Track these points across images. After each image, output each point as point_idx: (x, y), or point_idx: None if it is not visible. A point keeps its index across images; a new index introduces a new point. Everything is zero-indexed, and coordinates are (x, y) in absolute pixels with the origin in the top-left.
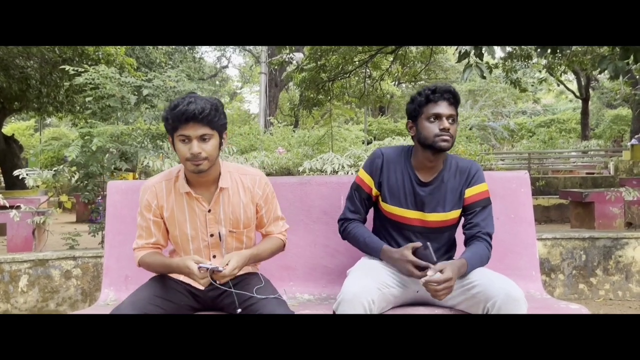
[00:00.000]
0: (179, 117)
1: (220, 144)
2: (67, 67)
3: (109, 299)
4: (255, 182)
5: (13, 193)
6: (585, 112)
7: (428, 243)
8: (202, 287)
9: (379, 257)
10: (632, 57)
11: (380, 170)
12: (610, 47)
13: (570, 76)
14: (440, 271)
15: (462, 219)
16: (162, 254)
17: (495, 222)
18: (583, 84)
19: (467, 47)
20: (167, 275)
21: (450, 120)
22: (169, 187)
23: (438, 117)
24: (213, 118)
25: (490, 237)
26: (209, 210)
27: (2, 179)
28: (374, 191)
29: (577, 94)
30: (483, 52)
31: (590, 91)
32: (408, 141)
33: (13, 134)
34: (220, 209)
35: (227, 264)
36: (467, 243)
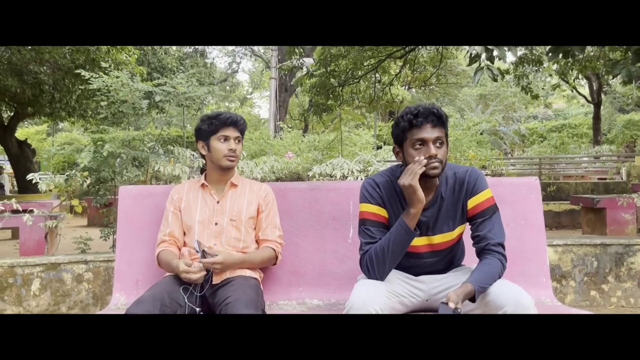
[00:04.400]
0: (225, 121)
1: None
2: (82, 72)
3: (120, 303)
4: (261, 187)
5: (26, 197)
6: (597, 117)
7: (460, 310)
8: (196, 291)
9: (410, 234)
10: None
11: (382, 200)
12: (623, 51)
13: (582, 81)
14: (447, 302)
15: (470, 227)
16: (173, 254)
17: (505, 229)
18: (595, 88)
19: (478, 50)
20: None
21: (438, 144)
22: (191, 186)
23: (424, 142)
24: (244, 127)
25: (503, 247)
26: (218, 202)
27: (15, 182)
28: (388, 222)
29: (589, 98)
30: (494, 55)
31: (602, 96)
32: None
33: (26, 139)
34: (227, 202)
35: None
36: (478, 256)
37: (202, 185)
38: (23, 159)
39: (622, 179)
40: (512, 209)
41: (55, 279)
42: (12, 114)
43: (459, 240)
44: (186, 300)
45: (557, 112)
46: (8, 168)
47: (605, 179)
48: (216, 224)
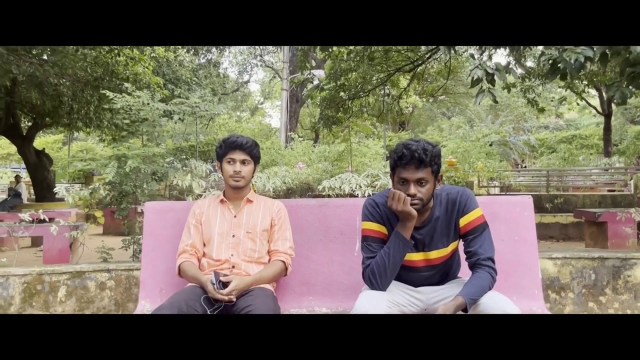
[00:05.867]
0: (230, 145)
1: (254, 171)
2: (107, 93)
3: (145, 310)
4: (274, 203)
5: (43, 205)
6: (607, 128)
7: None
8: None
9: (406, 244)
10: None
11: (382, 218)
12: (618, 73)
13: (593, 91)
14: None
15: (462, 243)
16: (196, 266)
17: (500, 244)
18: (605, 99)
19: (479, 74)
20: (199, 287)
21: (422, 182)
22: (211, 201)
23: (406, 181)
24: (252, 149)
25: (492, 261)
26: (235, 216)
27: (32, 190)
28: (388, 238)
29: (600, 109)
30: (495, 78)
31: (613, 107)
32: None
33: (44, 148)
34: (243, 216)
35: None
36: (470, 269)
37: (221, 200)
38: (41, 167)
39: (630, 191)
40: (507, 225)
41: (80, 287)
42: (30, 124)
43: (453, 254)
44: (208, 311)
45: (568, 122)
46: (24, 176)
47: (614, 190)
48: (233, 236)
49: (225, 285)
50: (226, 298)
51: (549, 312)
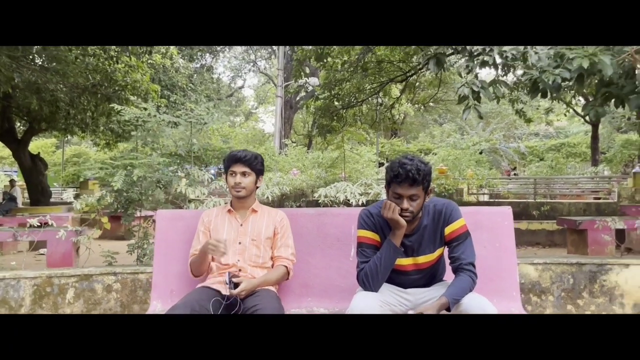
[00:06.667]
0: (231, 159)
1: (256, 182)
2: (115, 106)
3: (157, 310)
4: (277, 213)
5: (38, 209)
6: (595, 137)
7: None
8: (228, 293)
9: (396, 251)
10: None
11: (375, 227)
12: (594, 92)
13: (582, 100)
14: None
15: (447, 249)
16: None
17: (482, 250)
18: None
19: (467, 92)
20: (210, 287)
21: (414, 198)
22: (219, 211)
23: (400, 196)
24: (252, 162)
25: (473, 265)
26: (241, 225)
27: (26, 194)
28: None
29: (587, 118)
30: (481, 95)
31: None
32: None
33: (39, 152)
34: (249, 225)
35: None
36: (453, 273)
37: (229, 210)
38: (35, 172)
39: (614, 199)
40: (489, 233)
41: (87, 289)
42: (25, 128)
43: (439, 259)
44: (212, 312)
45: (558, 130)
46: (17, 179)
47: (599, 199)
48: (240, 243)
49: (236, 285)
50: (236, 294)
51: (525, 312)
